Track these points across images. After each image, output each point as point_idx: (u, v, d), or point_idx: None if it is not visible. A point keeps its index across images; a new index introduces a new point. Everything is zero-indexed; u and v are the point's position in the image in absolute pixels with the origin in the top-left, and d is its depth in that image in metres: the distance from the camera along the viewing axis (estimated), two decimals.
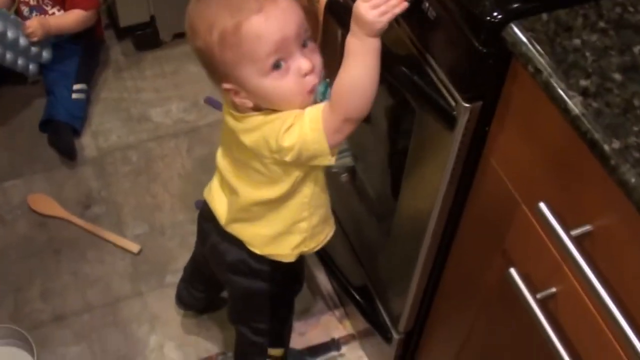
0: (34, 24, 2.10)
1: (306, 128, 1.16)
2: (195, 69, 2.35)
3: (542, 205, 0.97)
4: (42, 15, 2.18)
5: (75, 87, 2.19)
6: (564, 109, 0.90)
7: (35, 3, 2.18)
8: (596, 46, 0.95)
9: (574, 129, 0.89)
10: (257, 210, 1.32)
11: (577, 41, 0.95)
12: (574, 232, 0.94)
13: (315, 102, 1.20)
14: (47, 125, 2.15)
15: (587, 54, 0.94)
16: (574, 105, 0.89)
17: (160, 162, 2.14)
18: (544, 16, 0.98)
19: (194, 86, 2.29)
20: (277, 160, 1.20)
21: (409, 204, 1.34)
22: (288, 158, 1.18)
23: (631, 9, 1.00)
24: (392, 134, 1.36)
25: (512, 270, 1.06)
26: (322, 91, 1.22)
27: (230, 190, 1.35)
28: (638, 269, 0.88)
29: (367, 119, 1.40)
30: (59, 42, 2.20)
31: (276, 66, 1.15)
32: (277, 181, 1.26)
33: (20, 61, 2.11)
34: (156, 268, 1.91)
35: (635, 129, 0.87)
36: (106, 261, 1.93)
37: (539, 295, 1.03)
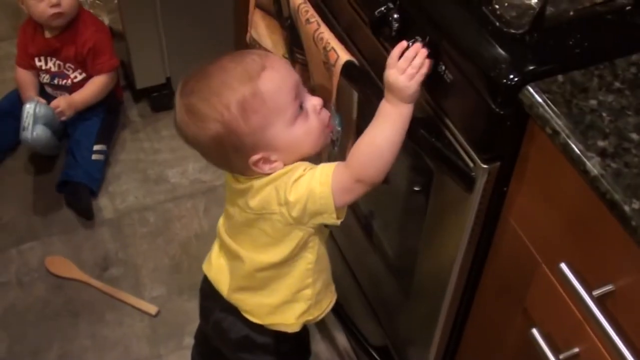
0: (61, 104, 2.17)
1: (315, 181, 1.17)
2: None
3: (563, 266, 0.98)
4: (65, 94, 2.24)
5: (96, 147, 2.22)
6: (583, 170, 0.91)
7: (57, 70, 2.23)
8: (612, 107, 0.96)
9: (593, 190, 0.90)
10: (261, 278, 1.31)
11: (593, 102, 0.97)
12: (596, 292, 0.94)
13: (336, 133, 1.24)
14: (65, 186, 2.17)
15: (604, 114, 0.95)
16: (593, 166, 0.89)
17: (177, 222, 2.15)
18: (560, 78, 0.99)
19: None
20: (284, 216, 1.20)
21: (429, 263, 1.34)
22: (294, 212, 1.19)
23: None
24: (410, 194, 1.37)
25: (534, 330, 1.06)
26: (337, 122, 1.28)
27: (232, 256, 1.34)
28: None
29: (386, 181, 1.41)
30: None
31: (300, 109, 1.18)
32: (281, 242, 1.25)
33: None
34: (175, 330, 1.91)
35: None
36: (124, 323, 1.92)
37: (562, 356, 1.03)
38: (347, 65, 1.25)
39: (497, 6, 1.08)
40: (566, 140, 0.93)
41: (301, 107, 1.19)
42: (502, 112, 1.01)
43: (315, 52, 1.34)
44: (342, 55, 1.26)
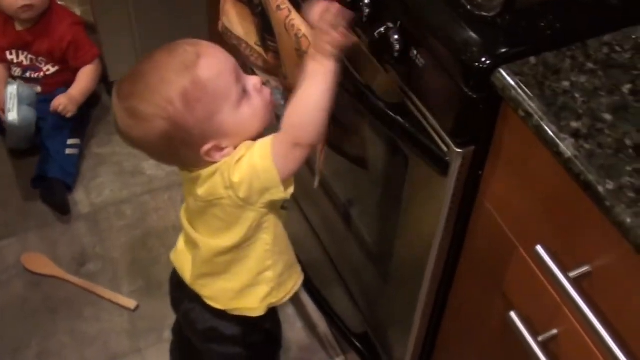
0: (62, 101, 2.16)
1: (255, 157, 1.16)
2: None
3: (539, 248, 0.97)
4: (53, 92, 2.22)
5: (70, 142, 2.20)
6: (557, 152, 0.90)
7: (29, 63, 2.20)
8: (585, 87, 0.96)
9: (567, 171, 0.89)
10: (220, 263, 1.30)
11: (566, 83, 0.96)
12: (573, 274, 0.94)
13: (280, 107, 1.24)
14: (40, 181, 2.14)
15: (577, 95, 0.95)
16: (566, 147, 0.89)
17: (154, 215, 2.13)
18: (532, 60, 0.99)
19: None
20: (232, 199, 1.19)
21: (406, 248, 1.34)
22: (241, 193, 1.17)
23: (618, 49, 1.01)
24: (386, 179, 1.36)
25: (513, 314, 1.06)
26: (280, 97, 1.30)
27: (192, 244, 1.33)
28: (638, 308, 0.88)
29: (363, 165, 1.41)
30: (54, 97, 2.21)
31: (244, 91, 1.18)
32: (234, 225, 1.23)
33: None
34: (154, 324, 1.89)
35: (629, 168, 0.87)
36: (103, 319, 1.91)
37: (540, 338, 1.03)
38: None
39: None
40: (539, 122, 0.92)
41: (245, 89, 1.19)
42: (474, 96, 1.00)
43: (287, 40, 1.32)
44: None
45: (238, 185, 1.17)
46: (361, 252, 1.53)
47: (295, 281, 1.38)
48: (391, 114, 1.16)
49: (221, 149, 1.18)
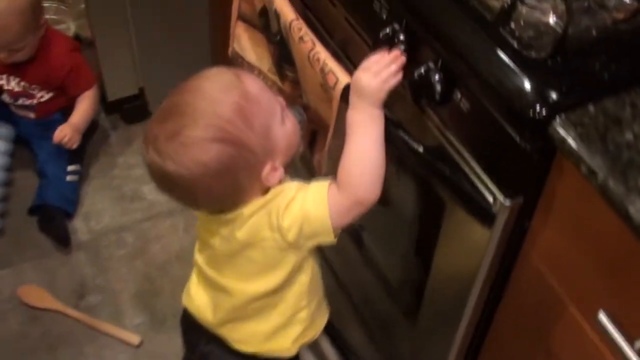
0: (66, 132, 2.02)
1: (309, 203, 1.09)
2: None
3: (602, 316, 0.90)
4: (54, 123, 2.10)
5: (70, 168, 2.09)
6: (626, 215, 0.82)
7: (20, 89, 2.08)
8: None
9: (639, 237, 0.81)
10: (253, 308, 1.22)
11: (629, 135, 0.88)
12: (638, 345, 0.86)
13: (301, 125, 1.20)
14: (38, 209, 2.04)
15: None
16: (637, 211, 0.81)
17: (156, 243, 2.04)
18: (591, 108, 0.91)
19: None
20: (278, 242, 1.11)
21: (439, 295, 1.26)
22: (290, 237, 1.10)
23: None
24: (417, 223, 1.28)
25: None
26: (297, 114, 1.24)
27: (216, 288, 1.24)
28: None
29: (385, 202, 1.32)
30: (52, 122, 2.09)
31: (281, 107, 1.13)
32: (273, 269, 1.16)
33: None
34: None
35: None
36: (105, 356, 1.81)
37: None
38: (348, 89, 1.16)
39: (514, 26, 1.00)
40: (605, 181, 0.84)
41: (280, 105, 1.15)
42: (528, 147, 0.93)
43: (311, 73, 1.24)
44: (342, 78, 1.16)
45: (287, 229, 1.09)
46: (388, 298, 1.45)
47: (324, 317, 1.32)
48: (431, 159, 1.08)
49: (275, 170, 1.11)
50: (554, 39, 0.97)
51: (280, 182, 1.12)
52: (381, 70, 1.06)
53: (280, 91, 1.48)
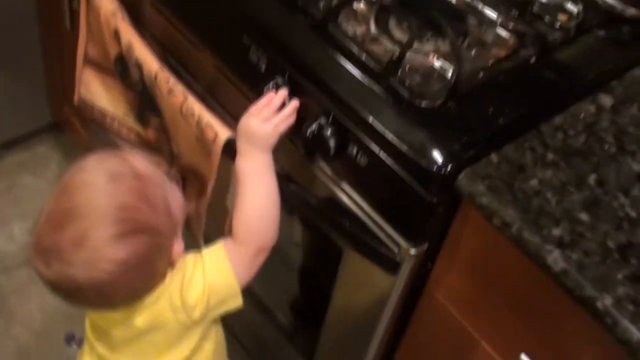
0: None
1: (211, 274, 1.03)
2: (31, 179, 2.12)
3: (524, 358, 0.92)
4: None
5: None
6: (544, 265, 0.84)
7: None
8: (554, 184, 0.90)
9: (559, 285, 0.84)
10: None
11: (534, 182, 0.90)
12: None
13: None
14: None
15: (548, 195, 0.89)
16: (555, 261, 0.83)
17: (14, 297, 1.89)
18: (494, 157, 0.92)
19: (34, 201, 2.05)
20: (182, 322, 1.05)
21: (337, 340, 1.25)
22: (196, 314, 1.04)
23: (571, 132, 0.97)
24: (311, 267, 1.26)
25: None
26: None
27: None
28: None
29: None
30: None
31: None
32: (177, 345, 1.09)
33: None
34: None
35: (619, 276, 0.83)
36: None
37: None
38: (228, 142, 1.11)
39: (400, 72, 0.99)
40: (520, 233, 0.86)
41: None
42: (434, 199, 0.92)
43: (184, 126, 1.19)
44: (221, 132, 1.12)
45: (193, 307, 1.03)
46: (283, 341, 1.42)
47: None
48: (325, 210, 1.06)
49: (179, 244, 1.03)
50: (444, 87, 0.97)
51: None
52: (270, 115, 1.02)
53: (140, 137, 1.41)
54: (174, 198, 1.02)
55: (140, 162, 1.00)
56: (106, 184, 0.95)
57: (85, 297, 0.96)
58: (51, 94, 2.06)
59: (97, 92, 1.47)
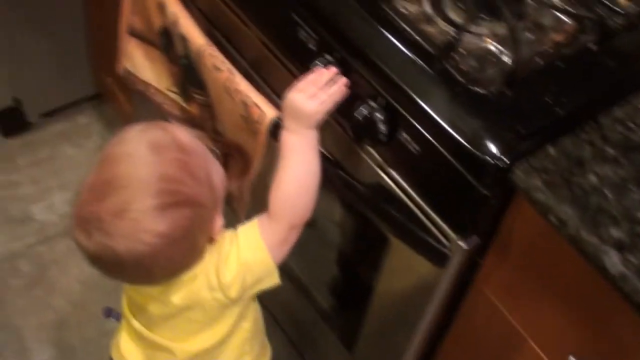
0: None
1: (245, 251, 1.01)
2: (72, 150, 2.11)
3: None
4: None
5: None
6: (602, 267, 0.80)
7: None
8: (613, 181, 0.86)
9: (616, 290, 0.79)
10: None
11: (593, 178, 0.86)
12: None
13: None
14: None
15: (607, 192, 0.85)
16: (613, 264, 0.79)
17: (54, 268, 1.90)
18: (551, 150, 0.88)
19: (74, 171, 2.04)
20: (219, 300, 1.03)
21: (379, 330, 1.22)
22: (233, 293, 1.02)
23: (631, 125, 0.92)
24: (356, 254, 1.22)
25: None
26: None
27: (154, 347, 1.13)
28: None
29: (311, 224, 1.26)
30: None
31: None
32: (216, 323, 1.08)
33: None
34: None
35: None
36: None
37: None
38: (274, 123, 1.08)
39: (457, 57, 0.95)
40: (576, 231, 0.81)
41: None
42: (487, 192, 0.88)
43: (230, 103, 1.15)
44: (267, 112, 1.09)
45: (229, 286, 1.01)
46: (324, 327, 1.39)
47: (268, 356, 1.26)
48: (373, 198, 1.02)
49: (220, 219, 1.01)
50: (500, 72, 0.93)
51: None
52: (317, 91, 0.99)
53: (183, 111, 1.38)
54: (216, 172, 1.00)
55: (183, 134, 0.98)
56: (148, 155, 0.93)
57: (124, 270, 0.95)
58: (94, 65, 2.04)
59: (141, 64, 1.45)
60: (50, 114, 2.15)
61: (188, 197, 0.93)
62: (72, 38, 2.00)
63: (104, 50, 1.81)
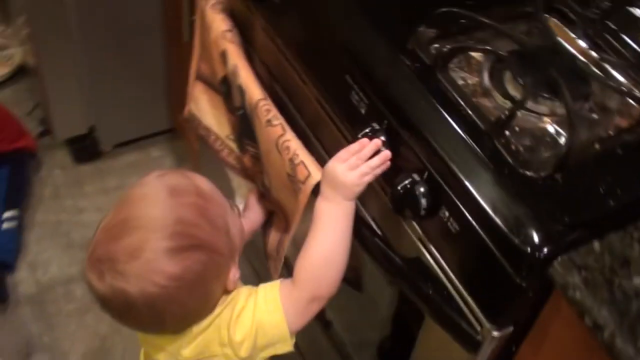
0: None
1: (261, 311, 0.99)
2: None
3: None
4: None
5: (6, 215, 1.91)
6: None
7: None
8: None
9: None
10: None
11: (638, 281, 0.79)
12: None
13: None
14: None
15: None
16: None
17: None
18: (596, 245, 0.82)
19: None
20: (230, 357, 1.00)
21: None
22: (243, 352, 0.99)
23: None
24: (392, 323, 1.18)
25: None
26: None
27: None
28: None
29: (359, 287, 1.23)
30: None
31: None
32: None
33: None
34: None
35: None
36: None
37: None
38: (319, 185, 1.06)
39: (507, 133, 0.91)
40: (612, 338, 0.76)
41: None
42: (524, 285, 0.83)
43: (278, 159, 1.14)
44: (314, 173, 1.06)
45: (239, 345, 0.99)
46: None
47: None
48: (409, 272, 0.99)
49: (236, 270, 1.01)
50: (554, 156, 0.88)
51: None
52: (359, 163, 0.96)
53: (239, 161, 1.38)
54: (234, 223, 1.00)
55: (204, 181, 0.99)
56: (166, 198, 0.93)
57: (135, 314, 0.93)
58: (170, 101, 2.07)
59: (205, 109, 1.45)
60: (122, 145, 2.19)
61: (203, 242, 0.93)
62: (154, 72, 2.04)
63: (180, 89, 1.83)
